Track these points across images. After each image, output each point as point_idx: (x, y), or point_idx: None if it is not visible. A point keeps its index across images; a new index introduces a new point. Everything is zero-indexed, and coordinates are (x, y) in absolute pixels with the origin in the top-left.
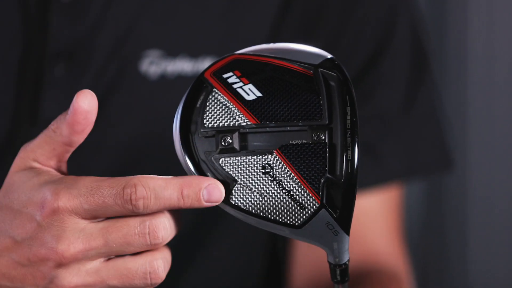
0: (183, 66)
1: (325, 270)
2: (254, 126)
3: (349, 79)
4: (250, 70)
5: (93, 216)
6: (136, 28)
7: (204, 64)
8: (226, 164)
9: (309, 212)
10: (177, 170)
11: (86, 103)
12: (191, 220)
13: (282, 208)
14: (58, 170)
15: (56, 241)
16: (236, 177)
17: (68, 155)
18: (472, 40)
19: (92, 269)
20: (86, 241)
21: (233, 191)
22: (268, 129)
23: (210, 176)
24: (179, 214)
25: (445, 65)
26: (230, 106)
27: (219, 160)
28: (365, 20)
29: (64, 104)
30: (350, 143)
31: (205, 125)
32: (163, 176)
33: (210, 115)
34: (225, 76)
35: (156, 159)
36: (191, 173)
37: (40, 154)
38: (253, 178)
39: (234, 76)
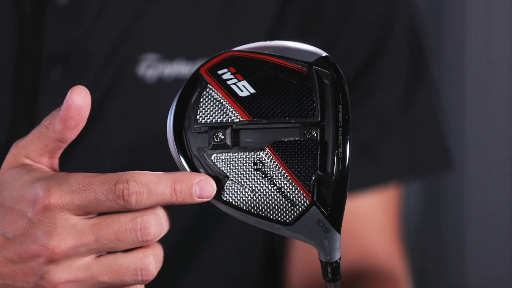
0: (180, 69)
1: None
2: (246, 122)
3: (343, 77)
4: (245, 67)
5: (85, 212)
6: (133, 32)
7: None
8: (218, 160)
9: (300, 209)
10: None
11: (79, 99)
12: (190, 221)
13: (273, 205)
14: (50, 167)
15: (48, 237)
16: (228, 173)
17: (60, 152)
18: (470, 40)
19: (83, 265)
20: (77, 237)
21: (225, 187)
22: (260, 125)
23: (202, 172)
24: (169, 211)
25: (443, 65)
26: (224, 103)
27: (211, 156)
28: (363, 20)
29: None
30: (341, 141)
31: (198, 121)
32: (155, 172)
33: (203, 111)
34: (219, 72)
35: (154, 162)
36: (184, 169)
37: (32, 150)
38: (245, 175)
39: (229, 73)
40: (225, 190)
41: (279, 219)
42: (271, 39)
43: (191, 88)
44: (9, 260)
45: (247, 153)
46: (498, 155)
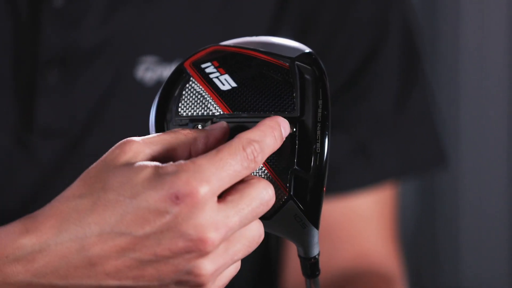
0: None
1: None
2: (226, 116)
3: (326, 73)
4: (228, 61)
5: (221, 191)
6: (131, 34)
7: None
8: None
9: (277, 203)
10: None
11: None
12: None
13: None
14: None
15: (201, 231)
16: None
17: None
18: (465, 39)
19: (222, 249)
20: (226, 225)
21: None
22: (240, 119)
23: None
24: None
25: (438, 64)
26: (205, 96)
27: None
28: (359, 21)
29: (58, 111)
30: (319, 136)
31: (180, 113)
32: (253, 128)
33: (185, 103)
34: (203, 66)
35: None
36: None
37: (156, 150)
38: None
39: (212, 66)
40: None
41: None
42: None
43: (174, 82)
44: (139, 261)
45: None
46: (493, 154)
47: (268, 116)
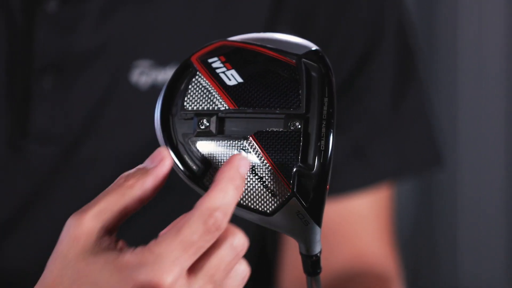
0: None
1: None
2: (232, 111)
3: (332, 71)
4: (235, 56)
5: (188, 267)
6: (125, 39)
7: None
8: (202, 147)
9: (280, 200)
10: (172, 181)
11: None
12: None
13: (254, 194)
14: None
15: None
16: (211, 161)
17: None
18: (462, 39)
19: None
20: None
21: (207, 175)
22: (245, 115)
23: (186, 158)
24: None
25: (435, 64)
26: (211, 90)
27: (195, 143)
28: (355, 21)
29: (53, 117)
30: (324, 134)
31: (185, 107)
32: (211, 185)
33: (191, 98)
34: (210, 61)
35: None
36: None
37: (108, 219)
38: None
39: (219, 61)
40: (208, 177)
41: (259, 209)
42: None
43: (181, 76)
44: None
45: (231, 141)
46: (491, 154)
47: (273, 112)
